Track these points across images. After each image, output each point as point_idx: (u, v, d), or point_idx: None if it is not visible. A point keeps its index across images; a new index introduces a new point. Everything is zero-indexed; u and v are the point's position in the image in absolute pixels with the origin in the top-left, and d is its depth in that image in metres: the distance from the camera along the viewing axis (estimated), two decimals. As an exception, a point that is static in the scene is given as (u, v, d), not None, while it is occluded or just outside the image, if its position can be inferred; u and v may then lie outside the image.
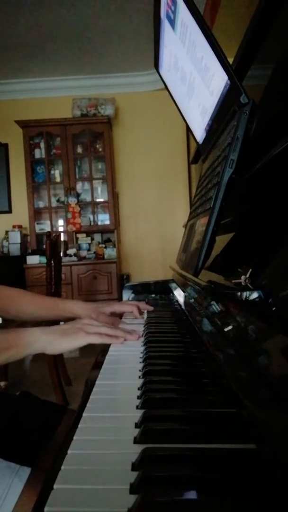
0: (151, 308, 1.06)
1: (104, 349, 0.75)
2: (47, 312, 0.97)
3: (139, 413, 0.44)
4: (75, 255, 4.04)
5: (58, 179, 4.24)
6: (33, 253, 4.01)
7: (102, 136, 4.13)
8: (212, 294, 0.64)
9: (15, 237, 4.14)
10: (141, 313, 1.04)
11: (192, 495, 0.30)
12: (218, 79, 0.88)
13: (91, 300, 3.47)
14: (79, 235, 4.22)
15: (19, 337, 0.68)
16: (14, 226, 4.21)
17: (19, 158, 4.20)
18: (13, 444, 0.75)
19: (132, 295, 1.49)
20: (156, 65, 1.40)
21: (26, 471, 0.63)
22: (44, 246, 3.04)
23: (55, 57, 3.84)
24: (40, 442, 0.78)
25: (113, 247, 4.12)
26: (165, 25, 1.11)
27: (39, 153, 4.17)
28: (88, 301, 1.03)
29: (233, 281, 0.53)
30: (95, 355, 0.74)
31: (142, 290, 1.54)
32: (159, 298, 1.42)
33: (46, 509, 0.30)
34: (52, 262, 2.38)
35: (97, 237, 4.36)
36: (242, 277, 0.48)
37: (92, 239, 4.28)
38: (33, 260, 3.92)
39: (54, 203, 4.24)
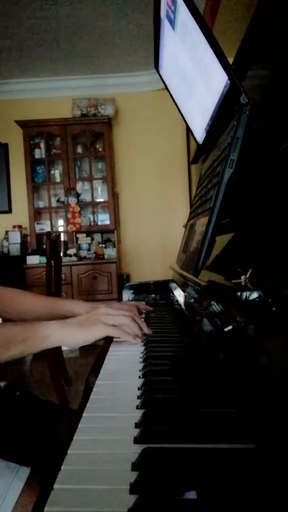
0: (150, 309, 1.06)
1: (104, 348, 0.75)
2: (48, 312, 0.97)
3: (139, 413, 0.44)
4: (75, 255, 4.04)
5: (58, 179, 4.23)
6: (33, 253, 4.01)
7: (102, 136, 4.13)
8: (212, 294, 0.64)
9: (15, 237, 4.13)
10: (140, 313, 1.04)
11: (192, 495, 0.30)
12: (218, 79, 0.88)
13: (91, 300, 3.47)
14: (79, 235, 4.22)
15: (35, 330, 0.66)
16: (14, 226, 4.21)
17: (19, 158, 4.20)
18: (13, 444, 0.75)
19: (132, 295, 1.50)
20: (156, 65, 1.40)
21: (25, 471, 0.63)
22: (44, 246, 3.05)
23: (55, 57, 3.84)
24: (40, 442, 0.78)
25: (113, 247, 4.12)
26: (165, 25, 1.11)
27: (39, 153, 4.17)
28: (88, 301, 1.02)
29: (233, 281, 0.53)
30: (95, 355, 0.74)
31: (142, 290, 1.54)
32: (159, 298, 1.42)
33: (46, 509, 0.30)
34: (52, 262, 2.38)
35: (97, 237, 4.36)
36: (242, 277, 0.48)
37: (92, 239, 4.28)
38: (33, 260, 3.92)
39: (54, 203, 4.23)
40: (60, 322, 0.69)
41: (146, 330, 0.79)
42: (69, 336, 0.67)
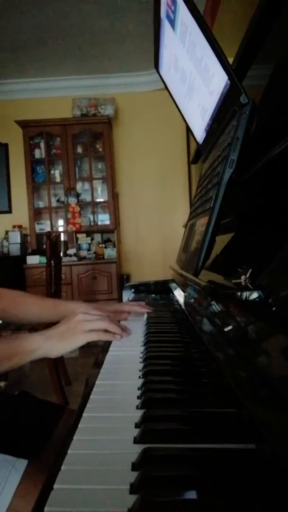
0: (150, 309, 1.06)
1: (104, 349, 0.75)
2: (49, 313, 0.97)
3: (139, 413, 0.44)
4: (75, 255, 4.04)
5: (58, 179, 4.23)
6: (33, 253, 4.01)
7: (102, 136, 4.13)
8: (212, 294, 0.64)
9: (15, 237, 4.13)
10: (140, 313, 1.04)
11: (192, 495, 0.30)
12: (218, 79, 0.88)
13: (91, 300, 3.47)
14: (79, 235, 4.22)
15: (21, 345, 0.69)
16: (14, 226, 4.21)
17: (19, 158, 4.20)
18: (11, 437, 0.75)
19: (132, 295, 1.49)
20: (156, 65, 1.40)
21: (23, 463, 0.64)
22: (44, 246, 3.04)
23: (55, 57, 3.84)
24: (38, 435, 0.78)
25: (113, 247, 4.12)
26: (165, 25, 1.10)
27: (39, 153, 4.17)
28: (88, 301, 1.02)
29: (233, 281, 0.53)
30: (95, 355, 0.74)
31: (142, 290, 1.54)
32: (159, 298, 1.43)
33: (46, 509, 0.30)
34: (52, 262, 2.38)
35: (97, 237, 4.36)
36: (242, 277, 0.48)
37: (92, 239, 4.28)
38: (33, 260, 3.92)
39: (54, 203, 4.23)
40: (43, 335, 0.71)
41: (126, 333, 0.81)
42: (52, 348, 0.70)
